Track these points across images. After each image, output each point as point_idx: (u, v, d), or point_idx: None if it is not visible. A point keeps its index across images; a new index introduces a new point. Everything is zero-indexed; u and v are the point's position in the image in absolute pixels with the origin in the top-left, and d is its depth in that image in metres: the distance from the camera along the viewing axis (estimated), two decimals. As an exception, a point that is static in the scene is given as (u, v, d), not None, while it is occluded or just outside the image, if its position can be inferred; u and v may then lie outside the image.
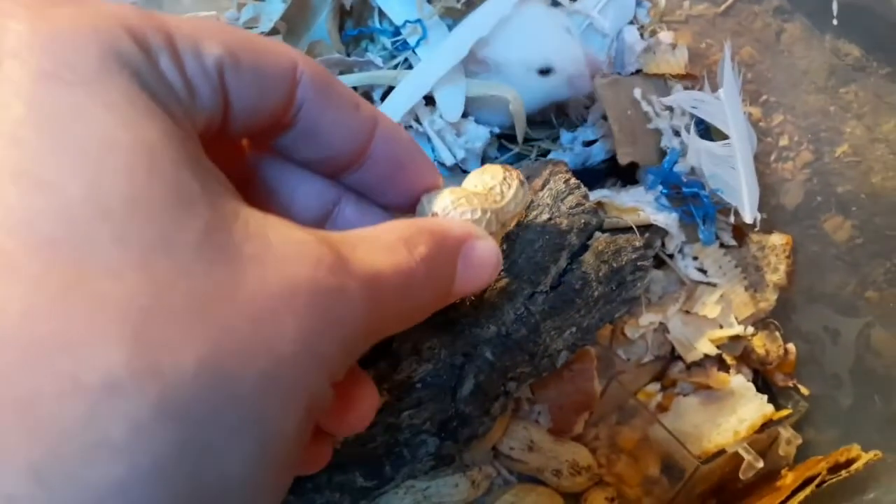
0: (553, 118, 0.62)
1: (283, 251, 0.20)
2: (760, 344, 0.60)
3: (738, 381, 0.58)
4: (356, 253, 0.22)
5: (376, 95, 0.58)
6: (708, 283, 0.60)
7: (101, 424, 0.15)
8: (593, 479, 0.54)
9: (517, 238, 0.41)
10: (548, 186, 0.43)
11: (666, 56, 0.62)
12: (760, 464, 0.53)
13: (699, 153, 0.57)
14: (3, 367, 0.15)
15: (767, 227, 0.62)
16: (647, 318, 0.57)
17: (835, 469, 0.52)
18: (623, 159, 0.56)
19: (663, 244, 0.58)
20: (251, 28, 0.58)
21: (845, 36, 0.58)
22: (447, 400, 0.40)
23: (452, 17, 0.58)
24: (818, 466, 0.52)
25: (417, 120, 0.57)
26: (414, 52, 0.58)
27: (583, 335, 0.43)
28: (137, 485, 0.16)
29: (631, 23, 0.63)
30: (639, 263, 0.45)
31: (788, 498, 0.50)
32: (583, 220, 0.42)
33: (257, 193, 0.30)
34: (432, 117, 0.57)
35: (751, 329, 0.59)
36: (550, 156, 0.60)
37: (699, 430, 0.56)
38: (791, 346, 0.61)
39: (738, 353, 0.60)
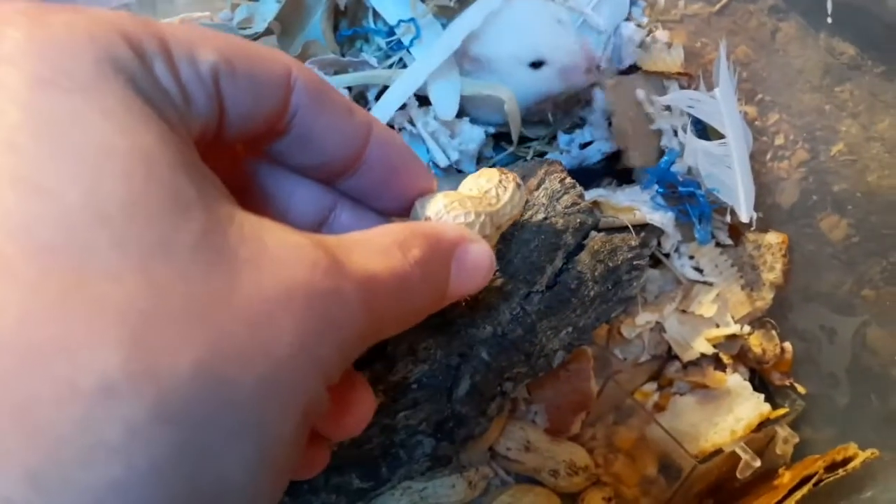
0: (550, 116, 0.62)
1: (278, 254, 0.20)
2: (757, 343, 0.60)
3: (735, 381, 0.58)
4: (351, 256, 0.22)
5: (371, 95, 0.58)
6: (704, 283, 0.60)
7: (98, 427, 0.15)
8: (590, 479, 0.54)
9: (513, 238, 0.41)
10: (543, 186, 0.43)
11: (662, 55, 0.62)
12: (757, 463, 0.53)
13: (696, 153, 0.57)
14: (0, 372, 0.15)
15: (763, 226, 0.62)
16: (644, 318, 0.57)
17: (832, 468, 0.52)
18: (630, 162, 0.56)
19: (659, 243, 0.58)
20: (245, 28, 0.58)
21: (840, 35, 0.58)
22: (443, 401, 0.40)
23: (446, 16, 0.58)
24: (815, 465, 0.52)
25: (411, 121, 0.57)
26: (408, 51, 0.58)
27: (579, 335, 0.43)
28: (135, 486, 0.16)
29: (627, 20, 0.63)
30: (635, 263, 0.45)
31: (785, 497, 0.50)
32: (578, 220, 0.42)
33: (254, 200, 0.30)
34: (426, 119, 0.57)
35: (747, 328, 0.60)
36: (546, 157, 0.60)
37: (696, 430, 0.56)
38: (787, 345, 0.61)
39: (735, 353, 0.60)
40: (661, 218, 0.55)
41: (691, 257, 0.60)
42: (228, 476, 0.18)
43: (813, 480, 0.50)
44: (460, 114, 0.58)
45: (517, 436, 0.53)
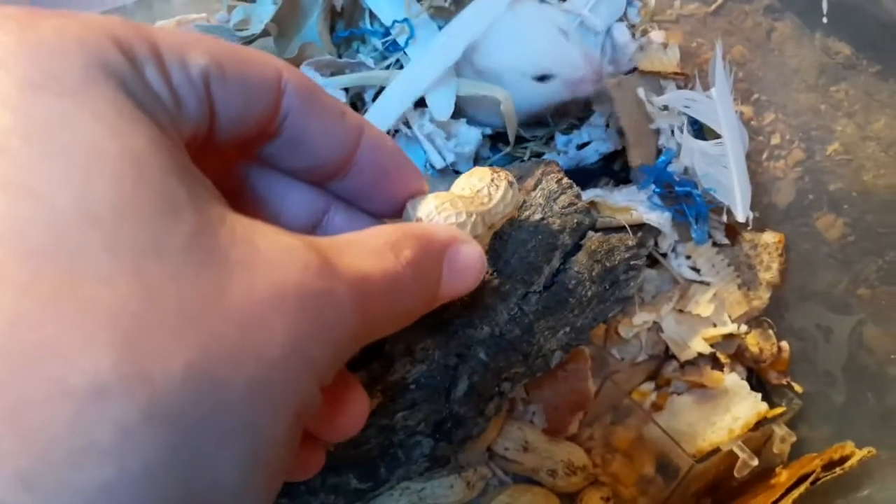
0: (549, 118, 0.62)
1: (270, 256, 0.20)
2: (754, 342, 0.60)
3: (732, 380, 0.58)
4: (343, 257, 0.22)
5: (368, 96, 0.58)
6: (701, 282, 0.60)
7: (89, 428, 0.15)
8: (588, 478, 0.54)
9: (510, 238, 0.41)
10: (540, 186, 0.43)
11: (658, 55, 0.62)
12: (755, 462, 0.53)
13: (692, 152, 0.57)
14: None
15: (760, 226, 0.62)
16: (641, 318, 0.57)
17: (829, 466, 0.52)
18: (634, 161, 0.56)
19: (656, 243, 0.58)
20: (242, 30, 0.58)
21: (835, 34, 0.58)
22: (441, 401, 0.40)
23: (442, 17, 0.58)
24: (812, 464, 0.52)
25: (407, 124, 0.57)
26: (405, 52, 0.58)
27: (577, 335, 0.43)
28: (127, 488, 0.16)
29: (620, 20, 0.63)
30: (632, 263, 0.45)
31: (783, 496, 0.50)
32: (575, 220, 0.42)
33: (247, 203, 0.30)
34: (422, 121, 0.57)
35: (744, 327, 0.60)
36: (544, 157, 0.60)
37: (694, 429, 0.56)
38: (784, 344, 0.62)
39: (732, 352, 0.60)
40: (658, 218, 0.55)
41: (688, 257, 0.60)
42: (221, 477, 0.18)
43: (810, 479, 0.50)
44: (458, 115, 0.58)
45: (515, 436, 0.53)
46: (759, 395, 0.58)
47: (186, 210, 0.19)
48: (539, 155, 0.61)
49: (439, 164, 0.57)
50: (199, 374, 0.17)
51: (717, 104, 0.58)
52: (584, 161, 0.61)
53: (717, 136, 0.58)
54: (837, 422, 0.58)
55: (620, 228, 0.48)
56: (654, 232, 0.57)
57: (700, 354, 0.58)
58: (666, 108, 0.59)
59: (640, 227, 0.54)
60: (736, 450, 0.53)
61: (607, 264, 0.44)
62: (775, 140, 0.63)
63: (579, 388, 0.54)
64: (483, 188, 0.34)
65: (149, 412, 0.16)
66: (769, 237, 0.62)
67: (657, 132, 0.59)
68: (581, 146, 0.61)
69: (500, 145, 0.61)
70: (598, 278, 0.43)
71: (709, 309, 0.58)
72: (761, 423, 0.57)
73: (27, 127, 0.17)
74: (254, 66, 0.24)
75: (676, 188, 0.56)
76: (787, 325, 0.62)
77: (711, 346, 0.58)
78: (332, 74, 0.57)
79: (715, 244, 0.61)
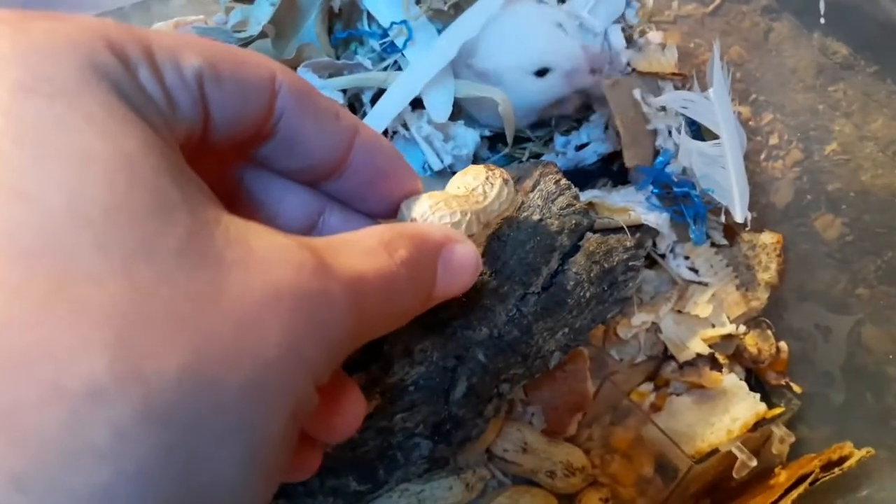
0: (552, 120, 0.62)
1: (265, 256, 0.20)
2: (752, 342, 0.60)
3: (731, 380, 0.58)
4: (338, 257, 0.22)
5: (366, 98, 0.58)
6: (699, 283, 0.60)
7: (84, 430, 0.15)
8: (587, 479, 0.54)
9: (508, 239, 0.41)
10: (538, 188, 0.43)
11: (656, 56, 0.62)
12: (754, 462, 0.53)
13: (690, 153, 0.57)
14: None
15: (758, 226, 0.62)
16: (640, 318, 0.57)
17: (828, 467, 0.52)
18: (630, 162, 0.56)
19: (654, 244, 0.58)
20: (239, 32, 0.58)
21: (833, 34, 0.58)
22: (440, 402, 0.40)
23: (441, 20, 0.58)
24: (811, 464, 0.52)
25: (405, 126, 0.57)
26: (402, 54, 0.58)
27: (575, 336, 0.43)
28: (123, 490, 0.16)
29: (617, 22, 0.63)
30: (630, 264, 0.45)
31: (782, 496, 0.50)
32: (574, 221, 0.42)
33: (243, 205, 0.30)
34: (420, 123, 0.57)
35: (743, 328, 0.60)
36: (542, 159, 0.60)
37: (692, 430, 0.56)
38: (783, 345, 0.62)
39: (731, 352, 0.60)
40: (657, 219, 0.55)
41: (686, 258, 0.60)
42: (217, 477, 0.18)
43: (809, 479, 0.50)
44: (456, 116, 0.58)
45: (514, 437, 0.53)
46: (758, 396, 0.58)
47: (180, 211, 0.19)
48: (538, 156, 0.61)
49: (437, 165, 0.57)
50: (194, 374, 0.17)
51: (715, 105, 0.58)
52: (582, 162, 0.61)
53: (716, 137, 0.58)
54: (836, 422, 0.58)
55: (619, 229, 0.48)
56: (652, 233, 0.57)
57: (699, 355, 0.58)
58: (664, 108, 0.59)
59: (638, 227, 0.54)
60: (735, 450, 0.53)
61: (606, 265, 0.44)
62: (773, 140, 0.63)
63: (578, 388, 0.54)
64: (478, 186, 0.34)
65: (144, 413, 0.16)
66: (767, 237, 0.62)
67: (654, 133, 0.59)
68: (579, 147, 0.61)
69: (498, 146, 0.61)
70: (597, 279, 0.43)
71: (707, 309, 0.58)
72: (760, 423, 0.57)
73: (19, 130, 0.17)
74: (248, 67, 0.24)
75: (675, 189, 0.56)
76: (786, 326, 0.62)
77: (710, 346, 0.58)
78: (331, 76, 0.57)
79: (713, 245, 0.61)
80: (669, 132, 0.59)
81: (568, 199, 0.43)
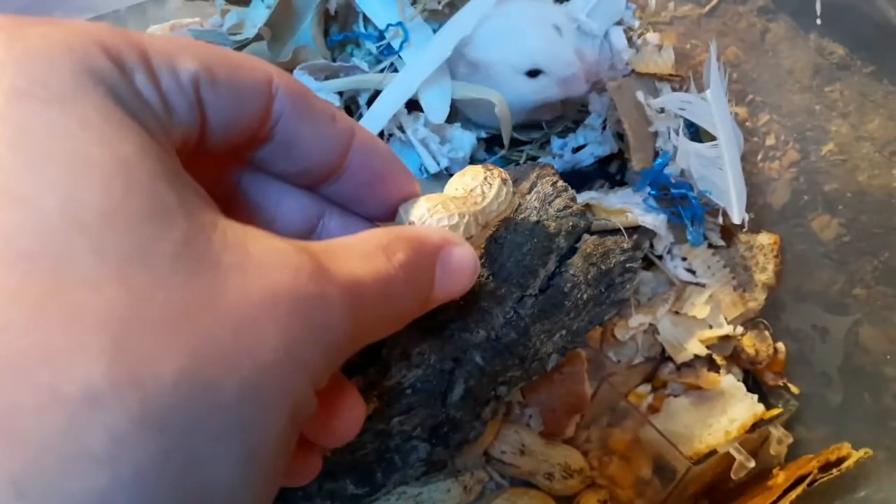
0: (544, 123, 0.62)
1: (262, 260, 0.20)
2: (750, 343, 0.60)
3: (729, 381, 0.58)
4: (335, 261, 0.22)
5: (362, 100, 0.58)
6: (697, 284, 0.60)
7: (81, 435, 0.15)
8: (585, 481, 0.54)
9: (505, 242, 0.41)
10: (535, 189, 0.43)
11: (653, 57, 0.62)
12: (752, 463, 0.53)
13: (688, 155, 0.57)
14: None
15: (755, 227, 0.62)
16: (637, 320, 0.57)
17: (826, 468, 0.52)
18: (638, 165, 0.56)
19: (652, 245, 0.58)
20: (235, 34, 0.58)
21: (829, 35, 0.58)
22: (437, 405, 0.40)
23: (436, 20, 0.58)
24: (809, 465, 0.52)
25: (401, 128, 0.57)
26: (399, 56, 0.58)
27: (573, 338, 0.43)
28: (120, 495, 0.16)
29: (619, 23, 0.63)
30: (627, 265, 0.45)
31: (780, 497, 0.50)
32: (571, 223, 0.42)
33: (241, 210, 0.30)
34: (416, 125, 0.56)
35: (740, 329, 0.60)
36: (539, 161, 0.60)
37: (690, 431, 0.56)
38: (780, 345, 0.62)
39: (728, 353, 0.60)
40: (654, 220, 0.55)
41: (684, 259, 0.60)
42: (215, 482, 0.17)
43: (807, 480, 0.50)
44: (453, 118, 0.58)
45: (512, 439, 0.53)
46: (756, 397, 0.58)
47: (176, 215, 0.19)
48: (534, 158, 0.61)
49: (433, 168, 0.57)
50: (191, 377, 0.17)
51: (713, 106, 0.58)
52: (579, 164, 0.61)
53: (713, 138, 0.58)
54: (834, 423, 0.58)
55: (616, 231, 0.48)
56: (649, 234, 0.57)
57: (696, 356, 0.58)
58: (662, 110, 0.59)
59: (635, 229, 0.54)
60: (733, 451, 0.53)
61: (603, 267, 0.43)
62: (770, 141, 0.63)
63: (576, 390, 0.54)
64: (476, 187, 0.34)
65: (140, 418, 0.16)
66: (764, 238, 0.62)
67: (655, 135, 0.59)
68: (576, 149, 0.61)
69: (495, 149, 0.61)
70: (594, 281, 0.43)
71: (705, 311, 0.58)
72: (758, 424, 0.57)
73: (14, 134, 0.17)
74: (244, 71, 0.24)
75: (672, 190, 0.56)
76: (783, 326, 0.62)
77: (707, 347, 0.58)
78: (327, 78, 0.57)
79: (710, 246, 0.61)
80: (669, 134, 0.59)
81: (565, 201, 0.43)
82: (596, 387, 0.56)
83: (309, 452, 0.28)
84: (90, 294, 0.16)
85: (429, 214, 0.31)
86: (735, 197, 0.57)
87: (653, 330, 0.58)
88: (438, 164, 0.57)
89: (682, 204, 0.57)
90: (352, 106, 0.59)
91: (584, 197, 0.55)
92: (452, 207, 0.31)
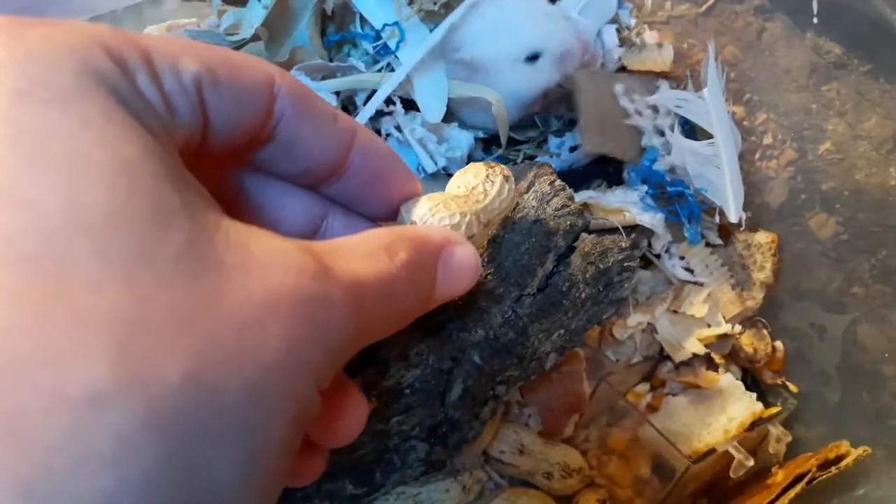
0: (537, 121, 0.62)
1: (265, 260, 0.20)
2: (748, 342, 0.60)
3: (727, 380, 0.58)
4: (338, 261, 0.22)
5: (359, 100, 0.58)
6: (695, 283, 0.60)
7: (88, 437, 0.15)
8: (584, 480, 0.54)
9: (503, 241, 0.41)
10: (533, 189, 0.43)
11: (652, 55, 0.62)
12: (751, 462, 0.53)
13: (683, 152, 0.57)
14: None
15: (753, 226, 0.62)
16: (635, 319, 0.57)
17: (824, 466, 0.52)
18: (587, 143, 0.56)
19: (650, 244, 0.58)
20: (232, 35, 0.57)
21: (826, 34, 0.58)
22: (436, 405, 0.40)
23: (432, 20, 0.58)
24: (808, 464, 0.52)
25: (398, 128, 0.57)
26: (396, 56, 0.58)
27: (571, 337, 0.43)
28: (127, 496, 0.16)
29: (611, 23, 0.63)
30: (625, 264, 0.45)
31: (779, 496, 0.50)
32: (569, 222, 0.42)
33: (243, 210, 0.30)
34: (413, 125, 0.56)
35: (738, 327, 0.60)
36: (536, 160, 0.60)
37: (689, 430, 0.56)
38: (779, 344, 0.62)
39: (727, 352, 0.60)
40: (651, 219, 0.55)
41: (682, 258, 0.60)
42: (220, 483, 0.17)
43: (806, 479, 0.51)
44: (450, 118, 0.58)
45: (511, 439, 0.53)
46: (754, 395, 0.58)
47: (180, 216, 0.19)
48: (532, 157, 0.61)
49: (431, 168, 0.56)
50: (195, 378, 0.17)
51: (710, 105, 0.58)
52: (576, 163, 0.61)
53: (710, 137, 0.58)
54: (833, 421, 0.58)
55: (614, 230, 0.48)
56: (647, 233, 0.57)
57: (695, 355, 0.58)
58: (655, 108, 0.59)
59: (633, 228, 0.54)
60: (731, 450, 0.53)
61: (601, 266, 0.43)
62: (767, 140, 0.63)
63: (574, 390, 0.54)
64: (478, 185, 0.34)
65: (146, 419, 0.16)
66: (762, 237, 0.62)
67: (634, 130, 0.58)
68: (573, 148, 0.61)
69: (492, 148, 0.61)
70: (592, 280, 0.43)
71: (703, 309, 0.58)
72: (757, 423, 0.57)
73: (16, 136, 0.17)
74: (246, 71, 0.24)
75: (669, 189, 0.56)
76: (782, 325, 0.62)
77: (706, 346, 0.58)
78: (324, 78, 0.57)
79: (708, 244, 0.61)
80: (661, 132, 0.59)
81: (563, 201, 0.43)
82: (594, 386, 0.56)
83: (312, 453, 0.28)
84: (94, 296, 0.16)
85: (430, 214, 0.31)
86: (732, 196, 0.57)
87: (651, 329, 0.58)
88: (436, 164, 0.56)
89: (680, 202, 0.57)
90: (349, 106, 0.59)
91: (581, 196, 0.55)
92: (454, 206, 0.31)
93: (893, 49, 0.54)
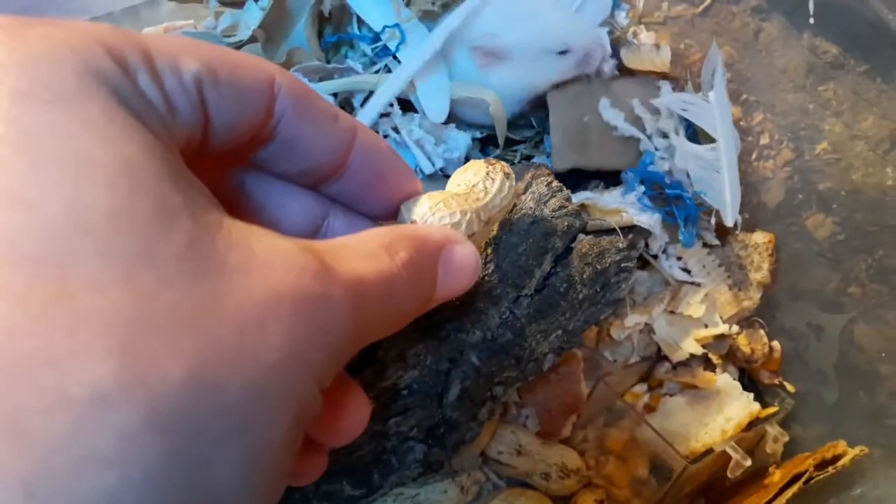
0: (533, 122, 0.62)
1: (267, 260, 0.20)
2: (745, 342, 0.60)
3: (725, 380, 0.58)
4: (339, 260, 0.22)
5: (357, 102, 0.58)
6: (692, 283, 0.60)
7: (90, 437, 0.15)
8: (582, 481, 0.54)
9: (501, 242, 0.41)
10: (530, 190, 0.43)
11: (651, 56, 0.62)
12: (748, 462, 0.53)
13: (687, 156, 0.57)
14: None
15: (750, 226, 0.62)
16: (633, 319, 0.57)
17: (822, 465, 0.52)
18: (557, 163, 0.56)
19: (647, 245, 0.58)
20: (229, 36, 0.57)
21: (822, 34, 0.58)
22: (434, 406, 0.40)
23: (430, 20, 0.58)
24: (805, 463, 0.52)
25: (396, 129, 0.57)
26: (394, 57, 0.58)
27: (568, 338, 0.43)
28: (129, 495, 0.16)
29: (604, 24, 0.63)
30: (623, 265, 0.45)
31: (776, 495, 0.50)
32: (566, 223, 0.42)
33: (246, 212, 0.30)
34: (410, 126, 0.56)
35: (735, 328, 0.60)
36: (533, 161, 0.60)
37: (687, 430, 0.56)
38: (776, 344, 0.62)
39: (724, 352, 0.60)
40: (649, 219, 0.55)
41: (679, 258, 0.60)
42: (222, 482, 0.18)
43: (803, 478, 0.51)
44: (448, 117, 0.58)
45: (508, 440, 0.53)
46: (752, 395, 0.58)
47: (181, 216, 0.19)
48: (529, 158, 0.61)
49: (428, 169, 0.56)
50: (197, 378, 0.17)
51: (715, 109, 0.58)
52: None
53: (710, 140, 0.58)
54: (830, 421, 0.58)
55: (611, 231, 0.48)
56: (644, 234, 0.57)
57: (692, 355, 0.58)
58: (656, 109, 0.59)
59: (630, 229, 0.54)
60: (729, 450, 0.54)
61: (598, 267, 0.44)
62: (764, 140, 0.63)
63: (572, 390, 0.54)
64: (478, 182, 0.34)
65: (148, 419, 0.16)
66: (759, 237, 0.62)
67: (634, 139, 0.58)
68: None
69: (489, 149, 0.61)
70: (590, 281, 0.43)
71: (700, 310, 0.58)
72: (754, 423, 0.57)
73: (17, 136, 0.17)
74: (246, 71, 0.24)
75: (667, 190, 0.56)
76: (779, 325, 0.62)
77: (703, 346, 0.58)
78: (321, 80, 0.57)
79: (705, 245, 0.61)
80: (664, 134, 0.59)
81: (560, 201, 0.43)
82: (592, 387, 0.56)
83: (314, 452, 0.28)
84: (96, 296, 0.16)
85: (430, 213, 0.31)
86: (730, 199, 0.57)
87: (648, 329, 0.58)
88: (434, 165, 0.56)
89: (677, 204, 0.57)
90: (346, 107, 0.59)
91: (578, 197, 0.55)
92: (454, 205, 0.31)
93: (890, 49, 0.54)
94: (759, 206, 0.63)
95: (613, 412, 0.57)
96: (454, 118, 0.59)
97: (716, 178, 0.57)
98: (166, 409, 0.16)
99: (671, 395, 0.59)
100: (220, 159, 0.27)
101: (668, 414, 0.57)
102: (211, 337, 0.18)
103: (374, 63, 0.59)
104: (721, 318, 0.60)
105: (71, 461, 0.15)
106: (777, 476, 0.54)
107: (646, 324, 0.58)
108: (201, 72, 0.22)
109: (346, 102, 0.59)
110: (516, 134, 0.62)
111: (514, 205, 0.42)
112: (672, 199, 0.57)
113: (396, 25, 0.57)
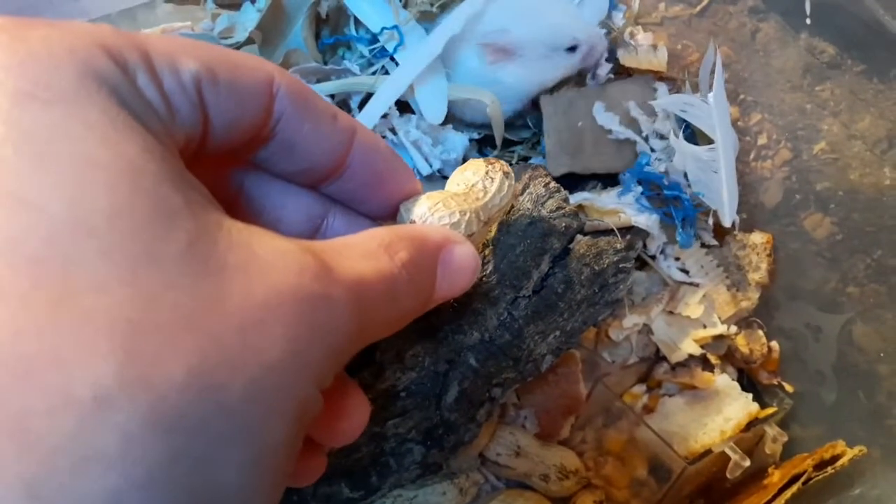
0: (529, 122, 0.62)
1: (267, 260, 0.20)
2: (744, 342, 0.60)
3: (723, 381, 0.58)
4: (339, 260, 0.23)
5: (354, 103, 0.58)
6: (690, 284, 0.60)
7: (93, 437, 0.15)
8: (581, 482, 0.54)
9: (499, 243, 0.41)
10: (528, 191, 0.43)
11: (648, 56, 0.62)
12: (747, 462, 0.53)
13: (685, 157, 0.57)
14: None
15: (748, 226, 0.62)
16: (631, 320, 0.57)
17: (821, 466, 0.52)
18: (552, 168, 0.56)
19: (645, 245, 0.58)
20: (226, 38, 0.57)
21: (819, 34, 0.58)
22: (432, 408, 0.40)
23: (428, 21, 0.58)
24: (804, 464, 0.52)
25: (393, 130, 0.57)
26: (392, 59, 0.58)
27: (567, 339, 0.43)
28: (132, 495, 0.16)
29: (601, 25, 0.63)
30: (621, 265, 0.45)
31: (775, 496, 0.50)
32: (564, 224, 0.42)
33: (245, 212, 0.30)
34: (408, 127, 0.56)
35: (734, 328, 0.60)
36: (531, 162, 0.60)
37: (685, 431, 0.56)
38: (774, 344, 0.62)
39: (722, 353, 0.60)
40: (647, 220, 0.55)
41: (677, 259, 0.60)
42: (223, 481, 0.18)
43: (802, 479, 0.51)
44: (446, 118, 0.57)
45: (507, 441, 0.53)
46: (750, 396, 0.58)
47: (182, 216, 0.19)
48: (526, 158, 0.61)
49: (426, 170, 0.56)
50: (199, 378, 0.17)
51: (714, 110, 0.58)
52: (571, 165, 0.61)
53: (708, 141, 0.58)
54: (828, 421, 0.58)
55: (609, 231, 0.48)
56: (642, 234, 0.57)
57: (690, 356, 0.58)
58: (653, 109, 0.59)
59: (628, 229, 0.54)
60: (728, 451, 0.54)
61: (596, 267, 0.44)
62: (762, 140, 0.63)
63: (570, 391, 0.54)
64: (478, 182, 0.34)
65: (151, 419, 0.16)
66: (757, 237, 0.62)
67: (630, 141, 0.58)
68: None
69: (486, 149, 0.61)
70: (588, 282, 0.43)
71: (698, 310, 0.58)
72: (753, 423, 0.57)
73: (18, 137, 0.17)
74: (245, 71, 0.24)
75: (665, 191, 0.56)
76: (777, 325, 0.62)
77: (702, 347, 0.58)
78: (318, 81, 0.57)
79: (703, 245, 0.61)
80: (661, 136, 0.58)
81: (558, 202, 0.43)
82: (591, 387, 0.56)
83: (313, 453, 0.29)
84: (99, 297, 0.16)
85: (430, 213, 0.31)
86: (727, 201, 0.57)
87: (647, 330, 0.58)
88: (431, 166, 0.56)
89: (675, 205, 0.57)
90: (343, 109, 0.59)
91: (576, 198, 0.54)
92: (453, 205, 0.31)
93: (887, 49, 0.54)
94: (757, 206, 0.63)
95: (612, 413, 0.57)
96: (453, 118, 0.59)
97: (713, 178, 0.57)
98: (168, 409, 0.16)
99: (670, 396, 0.59)
100: (219, 159, 0.27)
101: (666, 414, 0.57)
102: (212, 337, 0.18)
103: (371, 64, 0.59)
104: (719, 318, 0.60)
105: (74, 461, 0.15)
106: (776, 476, 0.54)
107: (644, 324, 0.58)
108: (200, 72, 0.22)
109: (343, 104, 0.59)
110: (514, 135, 0.62)
111: (512, 206, 0.42)
112: (670, 199, 0.57)
113: (395, 27, 0.57)
